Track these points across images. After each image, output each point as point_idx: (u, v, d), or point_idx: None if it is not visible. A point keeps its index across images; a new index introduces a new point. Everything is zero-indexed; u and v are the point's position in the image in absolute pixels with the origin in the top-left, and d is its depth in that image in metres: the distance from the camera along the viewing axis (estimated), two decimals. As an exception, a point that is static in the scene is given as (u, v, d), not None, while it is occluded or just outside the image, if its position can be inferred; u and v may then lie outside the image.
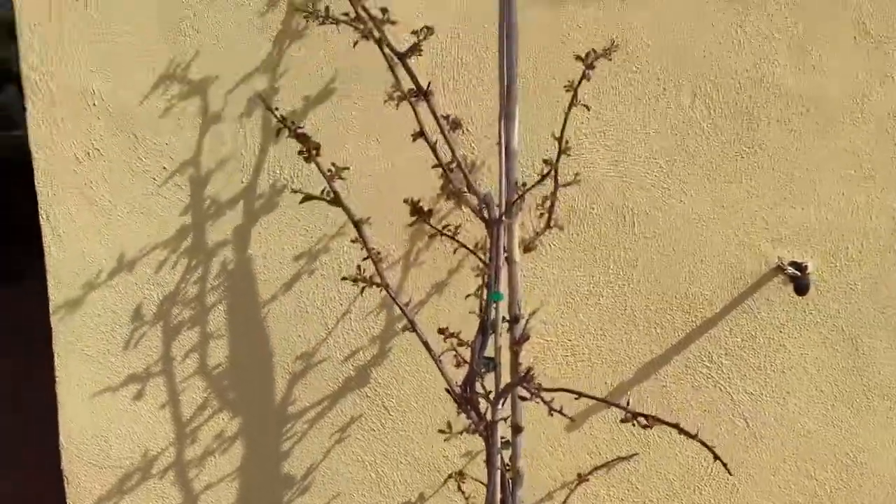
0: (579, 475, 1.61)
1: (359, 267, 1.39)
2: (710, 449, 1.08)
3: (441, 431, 1.38)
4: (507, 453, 1.43)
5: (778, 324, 1.59)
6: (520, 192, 1.31)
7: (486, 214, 1.35)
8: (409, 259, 1.63)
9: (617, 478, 1.67)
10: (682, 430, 1.11)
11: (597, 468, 1.65)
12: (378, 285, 1.40)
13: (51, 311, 1.68)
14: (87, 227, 1.63)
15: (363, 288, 1.39)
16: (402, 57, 1.36)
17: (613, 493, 1.68)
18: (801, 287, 1.45)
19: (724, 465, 1.07)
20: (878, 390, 1.62)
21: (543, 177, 1.28)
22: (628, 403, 1.18)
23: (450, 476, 1.65)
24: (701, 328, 1.60)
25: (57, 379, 1.72)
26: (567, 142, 1.37)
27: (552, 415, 1.17)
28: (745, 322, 1.59)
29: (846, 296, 1.57)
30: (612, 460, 1.66)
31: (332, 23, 1.38)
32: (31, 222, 1.68)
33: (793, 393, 1.62)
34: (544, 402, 1.22)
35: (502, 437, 1.42)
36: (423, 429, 1.69)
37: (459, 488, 1.60)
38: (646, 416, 1.14)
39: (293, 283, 1.66)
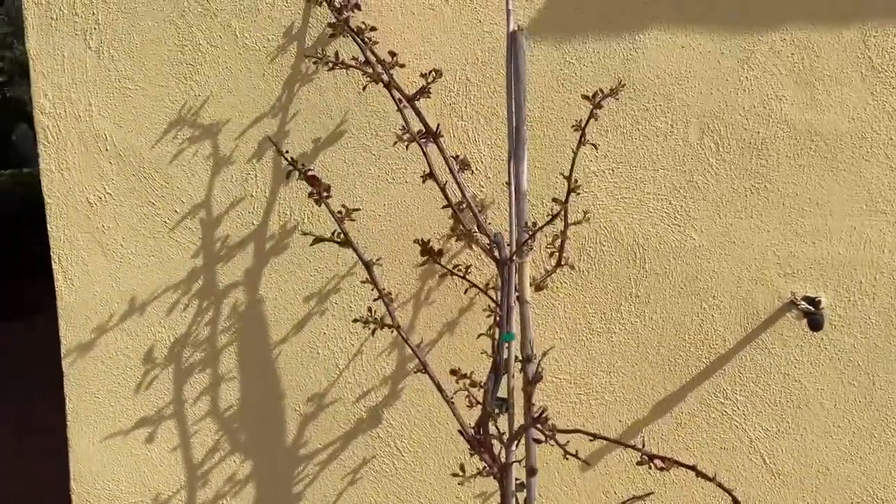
0: (595, 516, 1.59)
1: (370, 309, 1.39)
2: (729, 492, 1.07)
3: (454, 475, 1.37)
4: (521, 496, 1.42)
5: (793, 359, 1.57)
6: (530, 233, 1.31)
7: (496, 254, 1.35)
8: (419, 299, 1.63)
9: (633, 518, 1.65)
10: (699, 473, 1.09)
11: (612, 509, 1.63)
12: (389, 327, 1.40)
13: (62, 355, 1.69)
14: (99, 270, 1.64)
15: (374, 329, 1.39)
16: (410, 99, 1.38)
17: (630, 533, 1.65)
18: (815, 323, 1.44)
19: (742, 507, 1.06)
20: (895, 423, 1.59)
21: (553, 217, 1.28)
22: (643, 444, 1.16)
23: (463, 519, 1.63)
24: (715, 364, 1.59)
25: (68, 422, 1.71)
26: (576, 181, 1.37)
27: (567, 458, 1.16)
28: (760, 358, 1.58)
29: (861, 330, 1.56)
30: (628, 500, 1.63)
31: (341, 67, 1.40)
32: (45, 256, 1.69)
33: (810, 429, 1.60)
34: (559, 445, 1.21)
35: (517, 479, 1.41)
36: (435, 470, 1.67)
37: (473, 531, 1.58)
38: (662, 458, 1.13)
39: (304, 323, 1.65)
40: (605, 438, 1.20)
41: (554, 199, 1.39)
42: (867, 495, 1.62)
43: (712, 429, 1.61)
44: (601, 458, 1.64)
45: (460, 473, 1.34)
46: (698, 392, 1.60)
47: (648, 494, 1.64)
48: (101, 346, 1.68)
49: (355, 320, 1.38)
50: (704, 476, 1.09)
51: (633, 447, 1.15)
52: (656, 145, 1.55)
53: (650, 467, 1.14)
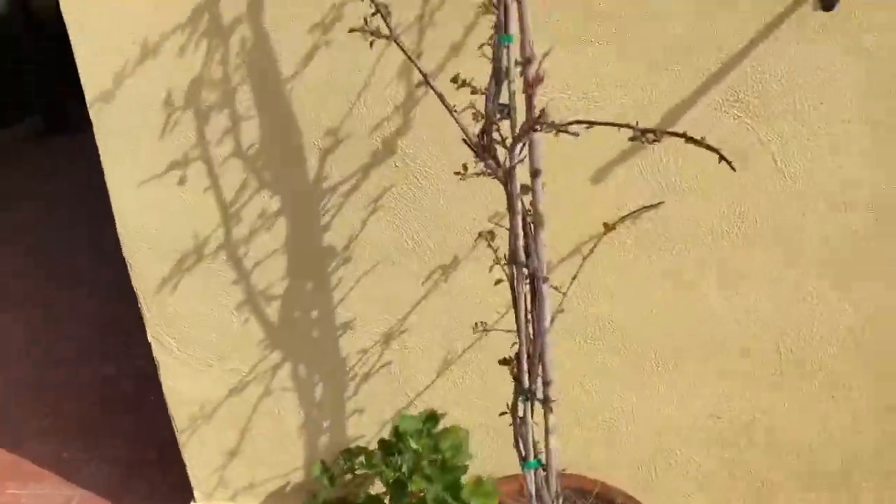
0: (605, 224, 1.64)
1: (365, 20, 1.38)
2: (716, 151, 1.09)
3: (457, 173, 1.42)
4: (528, 200, 1.47)
5: (810, 54, 1.52)
6: (521, -82, 1.25)
7: (489, -50, 1.30)
8: (423, 21, 1.61)
9: (644, 227, 1.71)
10: (689, 139, 1.11)
11: (623, 218, 1.68)
12: (387, 37, 1.39)
13: (88, 104, 1.76)
14: (107, 15, 1.66)
15: (372, 42, 1.39)
16: None
17: (641, 241, 1.72)
18: (828, 3, 1.37)
19: (729, 163, 1.08)
20: (916, 119, 1.55)
21: None
22: (637, 123, 1.18)
23: (480, 235, 1.71)
24: (730, 65, 1.55)
25: (104, 169, 1.82)
26: None
27: (557, 135, 1.19)
28: (777, 56, 1.53)
29: (887, 18, 1.48)
30: (638, 209, 1.68)
31: None
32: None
33: (827, 131, 1.57)
34: (558, 129, 1.23)
35: (522, 184, 1.45)
36: (451, 194, 1.74)
37: (489, 245, 1.66)
38: (653, 131, 1.15)
39: (311, 56, 1.66)
40: (600, 123, 1.22)
41: None
42: (884, 193, 1.61)
43: (726, 135, 1.60)
44: (611, 171, 1.68)
45: (462, 172, 1.39)
46: (710, 97, 1.58)
47: (659, 204, 1.69)
48: (122, 93, 1.73)
49: (351, 30, 1.37)
50: (694, 140, 1.10)
51: (624, 125, 1.17)
52: None
53: (643, 142, 1.16)
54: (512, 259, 1.51)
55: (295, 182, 1.79)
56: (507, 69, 1.38)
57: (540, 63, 1.36)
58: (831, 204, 1.63)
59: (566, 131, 1.19)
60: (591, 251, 1.69)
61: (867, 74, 1.52)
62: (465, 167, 1.40)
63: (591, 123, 1.26)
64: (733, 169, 1.07)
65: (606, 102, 1.61)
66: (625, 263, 1.75)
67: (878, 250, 1.66)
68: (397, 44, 1.39)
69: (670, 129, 1.12)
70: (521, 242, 1.50)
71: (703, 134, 1.58)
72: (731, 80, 1.56)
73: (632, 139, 1.18)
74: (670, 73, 1.57)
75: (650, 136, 1.16)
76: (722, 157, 1.07)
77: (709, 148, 1.09)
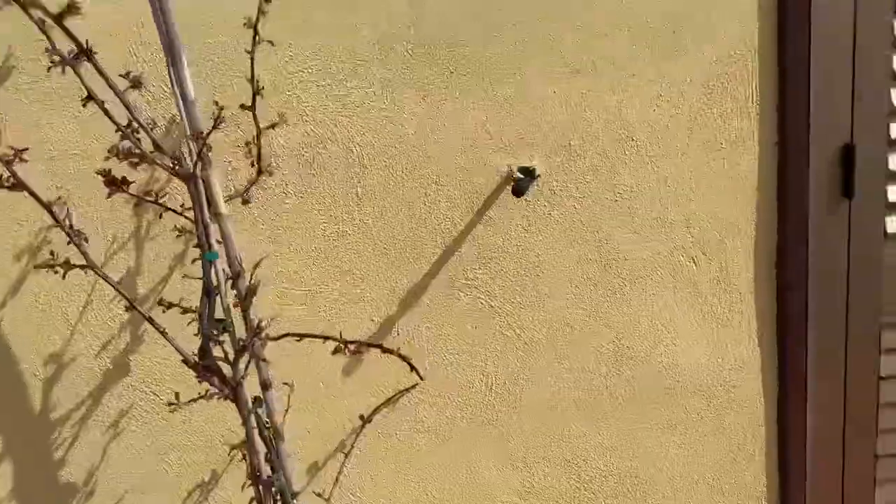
0: (362, 417, 1.59)
1: (52, 252, 1.29)
2: (405, 359, 1.09)
3: (170, 403, 1.33)
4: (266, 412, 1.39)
5: (521, 230, 1.60)
6: (202, 141, 1.24)
7: (179, 171, 1.28)
8: (140, 236, 1.55)
9: (402, 412, 1.67)
10: (384, 349, 1.11)
11: (379, 407, 1.63)
12: (83, 267, 1.31)
13: None
14: None
15: (64, 273, 1.30)
16: (57, 19, 1.26)
17: (400, 423, 1.68)
18: (518, 189, 1.46)
19: (418, 373, 1.08)
20: (625, 272, 1.66)
21: (216, 122, 1.22)
22: (341, 335, 1.15)
23: (234, 447, 1.60)
24: (451, 249, 1.60)
25: None
26: (258, 82, 1.32)
27: (257, 362, 1.14)
28: (491, 234, 1.60)
29: (578, 190, 1.60)
30: (394, 395, 1.65)
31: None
32: None
33: (551, 294, 1.65)
34: (263, 360, 1.19)
35: (255, 396, 1.38)
36: (199, 407, 1.62)
37: (244, 457, 1.55)
38: (354, 343, 1.13)
39: (22, 282, 1.54)
40: (309, 336, 1.19)
41: (241, 105, 1.34)
42: (612, 345, 1.69)
43: (463, 312, 1.63)
44: (364, 361, 1.64)
45: (175, 402, 1.30)
46: (441, 279, 1.61)
47: (414, 386, 1.67)
48: None
49: (36, 266, 1.28)
50: (387, 350, 1.10)
51: (329, 337, 1.14)
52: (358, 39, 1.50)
53: (346, 354, 1.14)
54: (255, 479, 1.41)
55: (16, 418, 1.60)
56: (218, 285, 1.34)
57: (252, 275, 1.33)
58: (579, 368, 1.68)
59: (263, 359, 1.15)
60: (352, 447, 1.63)
61: (573, 245, 1.62)
62: (177, 396, 1.31)
63: (301, 336, 1.23)
64: (421, 378, 1.06)
65: (337, 294, 1.59)
66: (392, 451, 1.69)
67: (614, 406, 1.71)
68: (95, 271, 1.31)
69: (368, 342, 1.10)
70: (262, 457, 1.40)
71: (441, 312, 1.61)
72: (458, 261, 1.60)
73: (334, 352, 1.15)
74: (404, 261, 1.59)
75: (352, 346, 1.14)
76: (412, 368, 1.07)
77: (400, 357, 1.09)
